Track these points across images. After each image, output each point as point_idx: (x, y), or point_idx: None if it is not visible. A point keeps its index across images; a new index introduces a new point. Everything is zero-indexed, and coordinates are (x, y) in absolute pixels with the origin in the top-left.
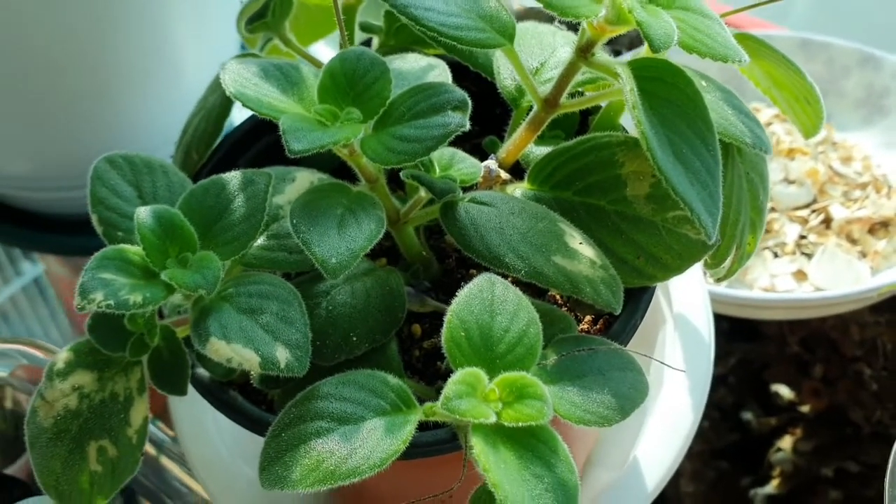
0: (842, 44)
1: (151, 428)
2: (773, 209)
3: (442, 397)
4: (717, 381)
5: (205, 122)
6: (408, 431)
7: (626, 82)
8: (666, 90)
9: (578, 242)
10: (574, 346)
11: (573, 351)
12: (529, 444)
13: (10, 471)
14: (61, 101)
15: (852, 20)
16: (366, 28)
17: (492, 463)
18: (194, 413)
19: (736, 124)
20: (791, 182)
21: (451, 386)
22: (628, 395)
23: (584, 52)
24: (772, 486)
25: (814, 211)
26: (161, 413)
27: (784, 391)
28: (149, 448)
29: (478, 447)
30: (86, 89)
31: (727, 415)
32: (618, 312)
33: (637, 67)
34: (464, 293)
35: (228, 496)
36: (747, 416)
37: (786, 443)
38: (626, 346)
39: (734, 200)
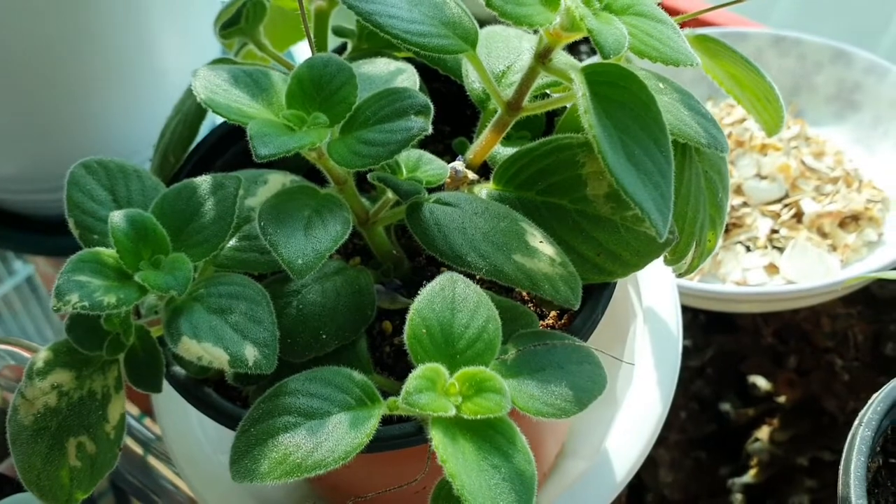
0: (814, 40)
1: (138, 427)
2: (745, 204)
3: (403, 392)
4: (696, 373)
5: (181, 126)
6: (371, 425)
7: (578, 87)
8: (619, 94)
9: (539, 241)
10: (534, 341)
11: (532, 345)
12: (488, 435)
13: (2, 468)
14: (45, 104)
15: (834, 18)
16: (339, 32)
17: (450, 454)
18: (177, 409)
19: (691, 125)
20: (763, 177)
21: (411, 381)
22: (586, 387)
23: (542, 57)
24: (749, 476)
25: (785, 205)
26: (149, 409)
27: (761, 382)
28: (136, 447)
29: (436, 439)
30: (69, 92)
31: (705, 406)
32: (576, 308)
33: (591, 72)
34: (426, 291)
35: (211, 490)
36: (726, 406)
37: (763, 433)
38: (587, 339)
39: (692, 198)
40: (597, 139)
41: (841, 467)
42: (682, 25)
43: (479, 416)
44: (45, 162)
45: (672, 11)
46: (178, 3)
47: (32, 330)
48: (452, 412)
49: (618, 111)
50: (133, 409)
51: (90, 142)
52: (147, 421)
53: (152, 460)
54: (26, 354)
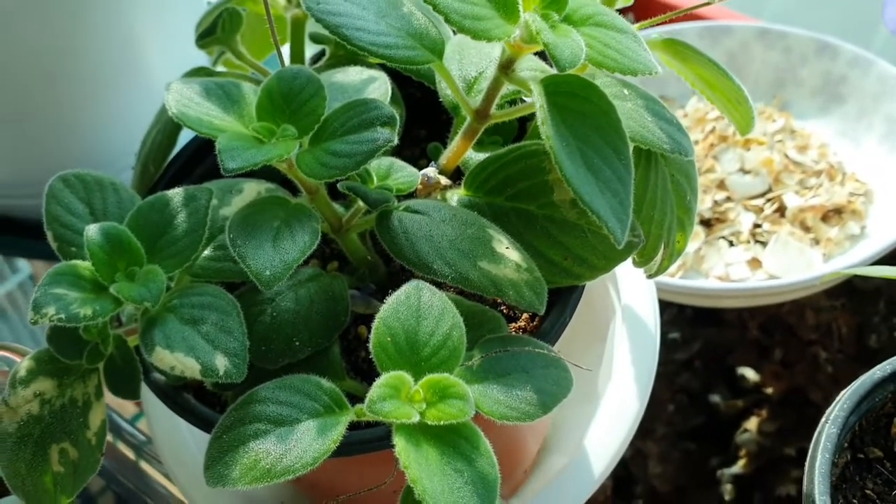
0: (799, 32)
1: (131, 430)
2: (728, 199)
3: (367, 400)
4: (683, 366)
5: (160, 136)
6: (338, 432)
7: (537, 98)
8: (579, 104)
9: (505, 247)
10: (499, 346)
11: (497, 351)
12: (452, 441)
13: None
14: (34, 113)
15: (829, 11)
16: (316, 39)
17: (412, 460)
18: (166, 411)
19: (654, 131)
20: (746, 172)
21: (375, 389)
22: (551, 391)
23: (505, 68)
24: (738, 466)
25: (768, 200)
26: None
27: (750, 374)
28: (129, 452)
29: (399, 445)
30: (56, 101)
31: (694, 398)
32: (541, 313)
33: (550, 83)
34: (391, 300)
35: (198, 490)
36: (715, 398)
37: (751, 424)
38: (556, 341)
39: (658, 202)
40: (553, 149)
41: (806, 464)
42: (674, 20)
43: (442, 422)
44: (35, 168)
45: (666, 7)
46: (163, 13)
47: (37, 328)
48: (416, 419)
49: (577, 121)
50: (131, 409)
51: (78, 149)
52: (142, 422)
53: (144, 464)
54: (17, 359)
